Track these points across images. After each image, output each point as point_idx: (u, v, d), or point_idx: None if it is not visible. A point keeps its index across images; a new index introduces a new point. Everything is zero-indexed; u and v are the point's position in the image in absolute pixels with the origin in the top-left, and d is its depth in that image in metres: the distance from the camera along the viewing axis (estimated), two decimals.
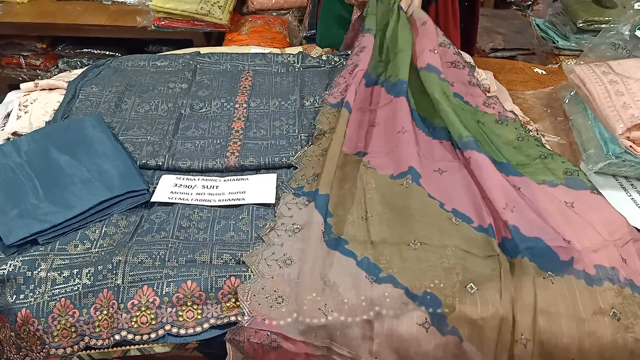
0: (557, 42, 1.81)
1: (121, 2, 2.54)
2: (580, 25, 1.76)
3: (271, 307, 0.83)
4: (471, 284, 0.85)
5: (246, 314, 0.83)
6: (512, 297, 0.83)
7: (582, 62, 1.36)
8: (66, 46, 2.61)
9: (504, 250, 0.91)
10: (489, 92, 1.30)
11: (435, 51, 1.25)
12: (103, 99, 1.32)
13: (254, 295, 0.84)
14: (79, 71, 1.43)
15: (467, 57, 1.41)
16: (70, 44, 2.61)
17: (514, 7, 2.67)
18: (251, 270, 0.88)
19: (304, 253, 0.89)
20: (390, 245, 0.91)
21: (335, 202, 1.00)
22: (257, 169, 1.14)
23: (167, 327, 0.86)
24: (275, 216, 0.99)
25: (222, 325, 0.86)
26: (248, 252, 0.92)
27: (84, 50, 2.61)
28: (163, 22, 2.36)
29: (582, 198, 0.99)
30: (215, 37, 2.50)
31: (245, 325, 0.82)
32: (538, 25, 1.98)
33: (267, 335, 0.82)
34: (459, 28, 1.64)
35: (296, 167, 1.11)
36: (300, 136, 1.20)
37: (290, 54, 1.49)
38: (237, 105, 1.31)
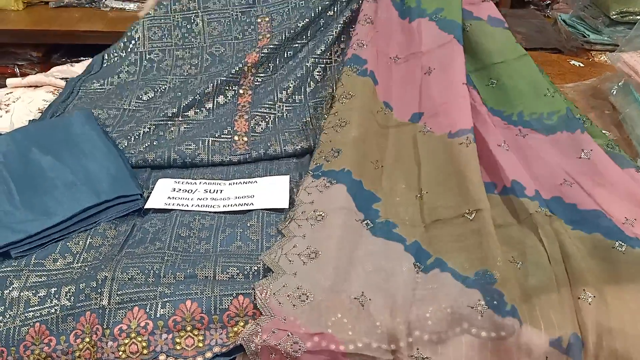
0: (588, 36, 1.67)
1: (120, 8, 2.48)
2: (614, 16, 1.63)
3: (294, 306, 0.71)
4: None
5: (264, 314, 0.72)
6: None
7: None
8: (62, 55, 2.51)
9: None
10: None
11: None
12: (104, 94, 1.20)
13: (274, 293, 0.73)
14: (80, 65, 1.31)
15: None
16: (66, 53, 2.51)
17: (532, 7, 2.55)
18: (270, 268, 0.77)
19: (330, 243, 0.78)
20: (444, 224, 0.83)
21: (384, 181, 0.90)
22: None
23: (162, 358, 0.73)
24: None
25: (228, 353, 0.73)
26: (267, 251, 0.80)
27: (81, 59, 2.48)
28: None
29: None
30: None
31: (262, 325, 0.70)
32: (564, 21, 1.84)
33: (288, 336, 0.69)
34: None
35: None
36: None
37: None
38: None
